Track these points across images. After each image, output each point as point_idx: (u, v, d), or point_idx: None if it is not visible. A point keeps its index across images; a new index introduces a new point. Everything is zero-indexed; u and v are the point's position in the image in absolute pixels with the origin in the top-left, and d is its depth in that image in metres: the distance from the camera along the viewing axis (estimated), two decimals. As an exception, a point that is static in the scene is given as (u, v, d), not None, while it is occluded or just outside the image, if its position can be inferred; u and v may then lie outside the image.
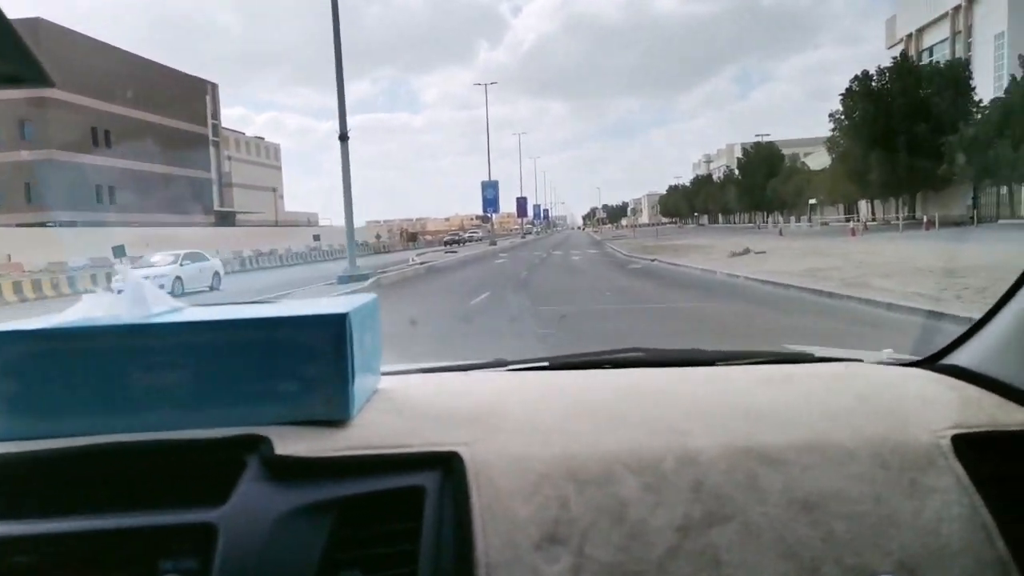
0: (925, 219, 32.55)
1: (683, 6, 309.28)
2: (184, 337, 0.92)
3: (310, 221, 71.95)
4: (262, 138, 78.33)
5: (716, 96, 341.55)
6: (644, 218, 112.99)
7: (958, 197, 38.60)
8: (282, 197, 77.96)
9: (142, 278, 1.01)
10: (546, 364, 1.31)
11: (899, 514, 0.84)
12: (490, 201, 59.23)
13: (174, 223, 42.43)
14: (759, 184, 65.44)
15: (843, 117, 42.11)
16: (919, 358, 1.24)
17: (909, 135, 36.93)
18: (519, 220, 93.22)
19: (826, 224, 50.62)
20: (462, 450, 0.88)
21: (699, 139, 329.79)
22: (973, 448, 0.91)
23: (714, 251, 24.25)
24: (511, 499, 0.83)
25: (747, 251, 20.78)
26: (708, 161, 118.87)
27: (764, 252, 20.56)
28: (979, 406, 1.00)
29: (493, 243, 52.11)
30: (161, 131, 48.43)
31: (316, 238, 44.79)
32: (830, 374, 1.19)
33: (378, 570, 0.79)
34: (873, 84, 40.97)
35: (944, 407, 0.99)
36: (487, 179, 59.84)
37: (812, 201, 54.65)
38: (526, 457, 0.88)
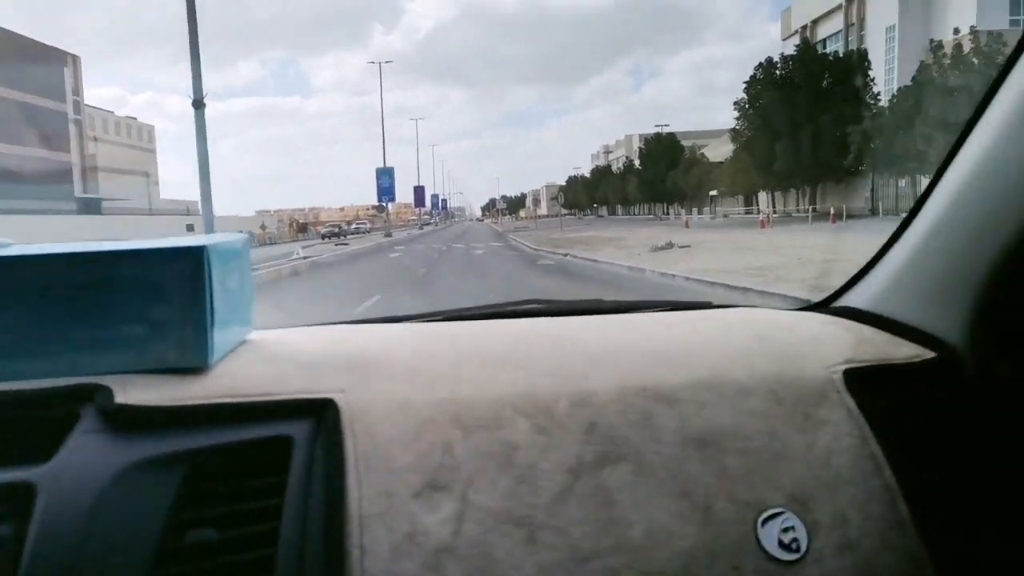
0: (832, 211, 31.91)
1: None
2: (2, 275, 0.76)
3: (189, 210, 66.53)
4: (134, 118, 72.16)
5: (610, 88, 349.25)
6: (543, 209, 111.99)
7: (857, 189, 38.60)
8: (157, 183, 72.04)
9: None
10: (440, 317, 1.21)
11: (792, 448, 0.84)
12: (386, 190, 56.03)
13: (25, 211, 37.09)
14: (660, 176, 64.99)
15: (747, 106, 41.55)
16: (814, 302, 1.26)
17: (813, 125, 36.53)
18: (416, 210, 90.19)
19: (727, 216, 50.25)
20: (337, 397, 0.81)
21: (595, 130, 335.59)
22: (864, 382, 0.92)
23: (628, 244, 22.33)
24: (390, 447, 0.77)
25: (671, 245, 18.87)
26: (607, 152, 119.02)
27: (689, 246, 18.72)
28: (871, 343, 1.01)
29: (388, 235, 49.26)
30: (5, 106, 42.52)
31: (189, 228, 40.63)
32: (728, 318, 1.15)
33: (236, 527, 0.71)
34: (777, 72, 40.52)
35: (837, 345, 1.00)
36: (382, 166, 56.52)
37: (713, 193, 54.37)
38: (408, 403, 0.81)
